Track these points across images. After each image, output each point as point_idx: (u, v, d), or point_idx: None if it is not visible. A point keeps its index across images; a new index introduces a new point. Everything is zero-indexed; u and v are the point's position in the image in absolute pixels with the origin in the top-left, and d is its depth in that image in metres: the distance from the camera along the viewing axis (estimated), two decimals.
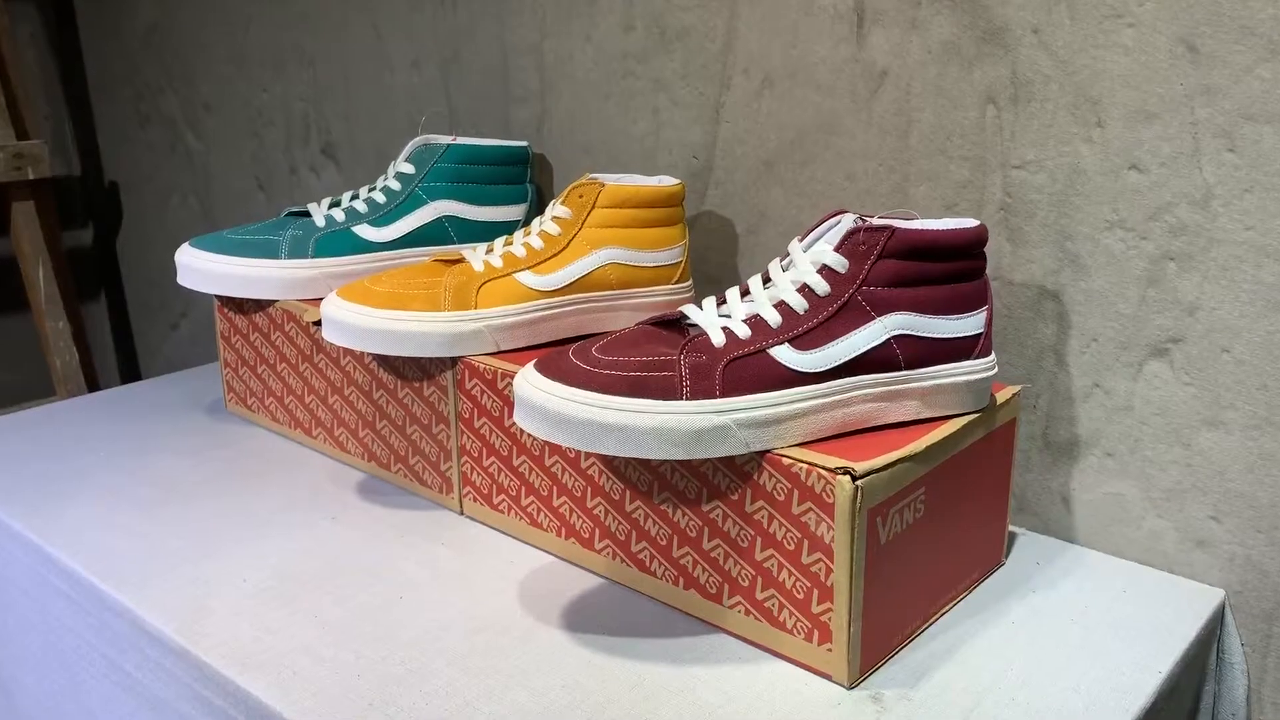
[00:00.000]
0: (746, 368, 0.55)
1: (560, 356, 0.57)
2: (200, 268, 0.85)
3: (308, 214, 0.90)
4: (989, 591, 0.65)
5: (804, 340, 0.56)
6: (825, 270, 0.57)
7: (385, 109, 1.13)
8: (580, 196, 0.76)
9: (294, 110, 1.25)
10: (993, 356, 0.61)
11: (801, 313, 0.57)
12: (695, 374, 0.54)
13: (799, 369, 0.56)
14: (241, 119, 1.34)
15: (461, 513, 0.75)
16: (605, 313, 0.77)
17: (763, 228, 0.83)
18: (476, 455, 0.72)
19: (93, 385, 1.57)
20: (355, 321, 0.71)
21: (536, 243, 0.75)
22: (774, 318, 0.57)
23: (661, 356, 0.55)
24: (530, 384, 0.56)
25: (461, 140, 0.91)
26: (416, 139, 0.91)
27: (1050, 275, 0.69)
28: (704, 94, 0.85)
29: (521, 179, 0.94)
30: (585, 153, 0.95)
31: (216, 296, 0.91)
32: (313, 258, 0.85)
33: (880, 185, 0.76)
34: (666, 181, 0.79)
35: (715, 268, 0.87)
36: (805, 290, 0.57)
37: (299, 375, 0.86)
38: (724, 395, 0.54)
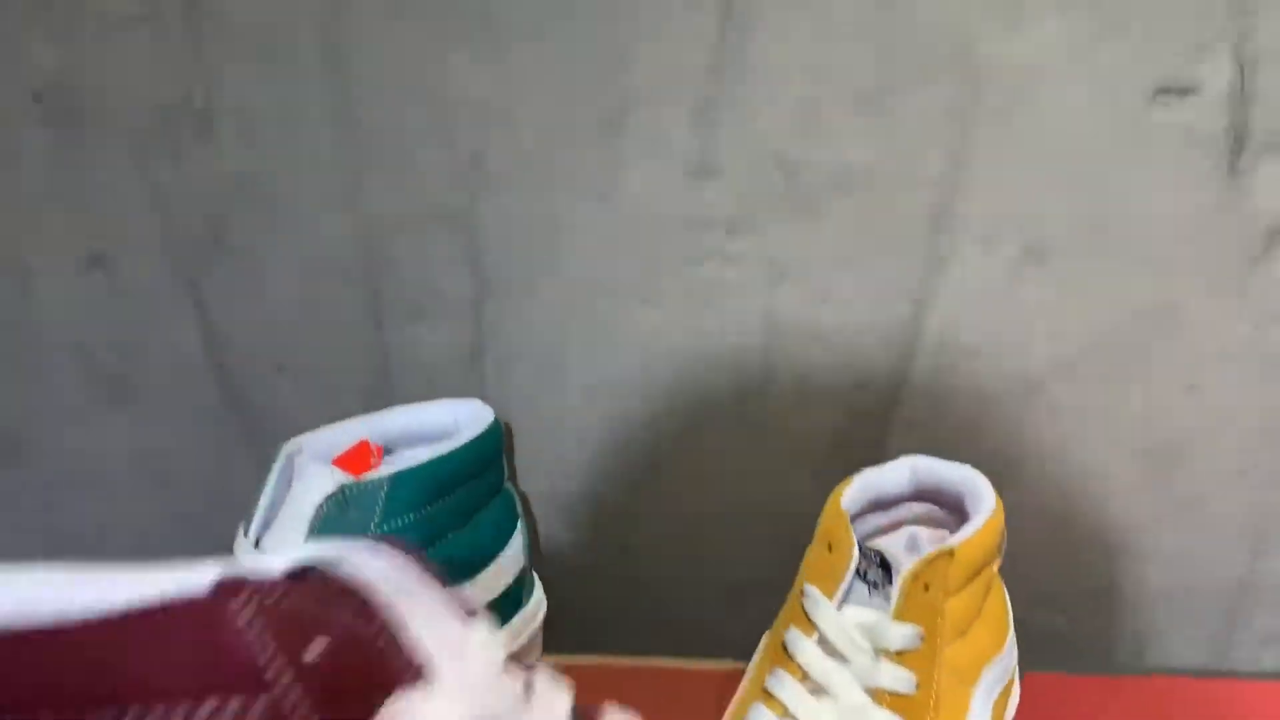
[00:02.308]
0: None
1: None
2: None
3: None
4: None
5: None
6: None
7: None
8: (926, 589, 0.35)
9: None
10: None
11: None
12: None
13: None
14: None
15: None
16: None
17: (1019, 483, 0.49)
18: None
19: None
20: None
21: None
22: None
23: None
24: None
25: (404, 463, 0.42)
26: (283, 466, 0.40)
27: None
28: (902, 264, 0.46)
29: (498, 484, 0.47)
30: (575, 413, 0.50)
31: None
32: None
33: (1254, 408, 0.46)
34: (986, 503, 0.40)
35: None
36: None
37: None
38: None
